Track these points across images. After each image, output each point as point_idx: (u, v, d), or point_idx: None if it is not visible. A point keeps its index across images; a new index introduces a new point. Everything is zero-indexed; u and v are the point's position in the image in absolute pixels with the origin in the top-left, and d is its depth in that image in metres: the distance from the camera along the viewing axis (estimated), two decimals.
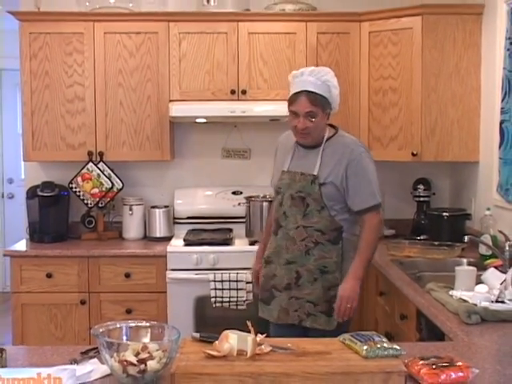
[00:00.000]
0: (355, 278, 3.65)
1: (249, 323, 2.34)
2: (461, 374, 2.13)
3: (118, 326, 2.32)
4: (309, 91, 3.63)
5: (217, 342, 2.25)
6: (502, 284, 3.27)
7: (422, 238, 5.18)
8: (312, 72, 3.68)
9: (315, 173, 3.69)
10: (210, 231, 5.43)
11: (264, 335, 2.39)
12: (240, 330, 2.30)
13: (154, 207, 5.56)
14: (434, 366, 2.15)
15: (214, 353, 2.19)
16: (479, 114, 5.08)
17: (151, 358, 2.12)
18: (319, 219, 3.69)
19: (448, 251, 4.58)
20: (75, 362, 2.33)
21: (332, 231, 3.70)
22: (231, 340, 2.22)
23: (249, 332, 2.28)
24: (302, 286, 3.69)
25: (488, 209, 4.70)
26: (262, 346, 2.26)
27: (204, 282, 4.81)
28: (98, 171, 5.43)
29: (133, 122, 5.34)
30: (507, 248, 4.00)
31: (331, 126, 3.84)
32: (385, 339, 2.27)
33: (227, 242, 5.11)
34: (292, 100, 3.68)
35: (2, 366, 2.18)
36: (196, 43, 5.29)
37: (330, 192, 3.68)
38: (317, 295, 3.66)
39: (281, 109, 4.59)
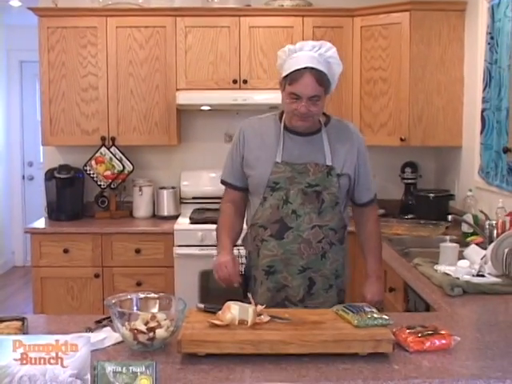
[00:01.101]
0: (380, 278, 3.15)
1: (249, 295, 2.34)
2: (444, 341, 2.14)
3: (129, 297, 2.32)
4: (314, 68, 2.83)
5: (220, 312, 2.25)
6: (482, 259, 3.28)
7: (409, 216, 5.17)
8: (313, 47, 2.91)
9: (329, 163, 2.95)
10: (213, 210, 5.42)
11: (263, 306, 2.39)
12: (241, 302, 2.31)
13: (161, 188, 5.57)
14: (419, 335, 2.16)
15: (218, 322, 2.19)
16: (462, 102, 5.08)
17: (159, 326, 2.12)
18: (332, 216, 2.97)
19: (433, 229, 4.58)
20: (90, 330, 2.33)
21: (341, 229, 3.03)
22: (233, 310, 2.22)
23: (249, 303, 2.28)
24: (315, 294, 2.97)
25: (470, 190, 4.70)
26: (262, 316, 2.26)
27: (208, 258, 4.80)
28: (111, 155, 5.43)
29: (142, 110, 5.34)
30: (487, 226, 4.00)
31: None
32: (374, 310, 2.28)
33: None
34: (293, 79, 2.84)
35: (24, 333, 2.19)
36: (201, 36, 5.27)
37: (345, 184, 3.00)
38: (331, 304, 2.76)
39: (279, 97, 4.56)
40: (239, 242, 3.16)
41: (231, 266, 2.86)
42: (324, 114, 3.07)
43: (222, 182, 3.17)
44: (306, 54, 2.87)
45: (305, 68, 2.82)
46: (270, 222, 2.96)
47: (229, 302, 2.28)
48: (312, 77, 2.81)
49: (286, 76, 2.87)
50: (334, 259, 3.00)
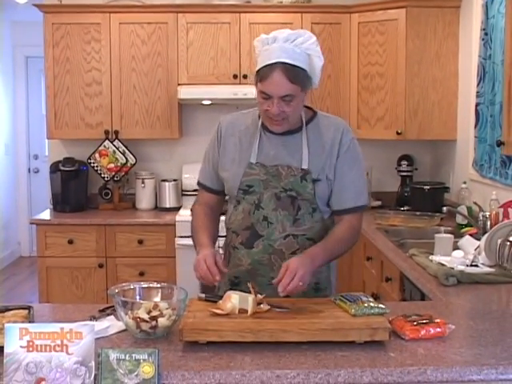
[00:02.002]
0: (311, 258, 2.44)
1: (249, 285, 2.34)
2: (438, 329, 2.14)
3: (132, 286, 2.32)
4: (285, 63, 2.41)
5: (221, 301, 2.25)
6: (476, 250, 3.28)
7: (405, 208, 5.17)
8: (288, 37, 2.46)
9: (305, 166, 2.56)
10: None
11: (263, 295, 2.39)
12: (241, 291, 2.31)
13: (164, 180, 5.57)
14: (415, 323, 2.16)
15: (218, 311, 2.19)
16: (457, 97, 5.08)
17: (162, 315, 2.12)
18: (311, 225, 2.60)
19: (428, 220, 4.58)
20: (94, 318, 2.33)
21: (321, 238, 2.60)
22: (233, 300, 2.23)
23: (249, 293, 2.28)
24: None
25: (464, 182, 4.71)
26: (261, 305, 2.27)
27: None
28: (114, 148, 5.43)
29: (145, 104, 5.34)
30: (481, 218, 4.00)
31: (306, 107, 2.67)
32: (371, 299, 2.28)
33: None
34: (263, 76, 2.44)
35: (30, 322, 2.19)
36: (202, 32, 5.27)
37: (323, 190, 2.60)
38: None
39: None
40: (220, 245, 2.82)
41: (211, 261, 2.41)
42: (311, 109, 2.70)
43: (199, 184, 2.82)
44: (279, 46, 2.45)
45: (275, 63, 2.42)
46: (241, 229, 2.63)
47: (229, 292, 2.29)
48: (282, 74, 2.40)
49: (258, 71, 2.49)
50: (314, 273, 2.50)
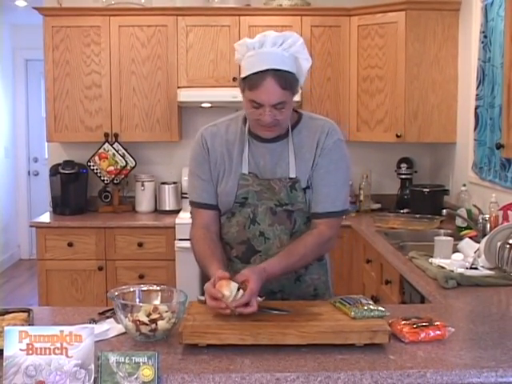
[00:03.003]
0: (265, 273, 2.32)
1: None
2: (438, 332, 2.14)
3: (132, 289, 2.32)
4: (277, 70, 2.31)
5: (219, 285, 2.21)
6: (475, 252, 3.28)
7: (404, 211, 5.18)
8: (275, 41, 2.36)
9: (293, 175, 2.47)
10: None
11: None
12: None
13: (163, 183, 5.57)
14: (414, 326, 2.16)
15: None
16: (457, 99, 5.08)
17: (161, 318, 2.12)
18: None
19: (428, 223, 4.59)
20: (94, 321, 2.33)
21: None
22: (233, 287, 2.19)
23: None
24: None
25: (464, 185, 4.70)
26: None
27: None
28: (114, 151, 5.43)
29: (144, 107, 5.34)
30: (480, 220, 4.00)
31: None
32: (371, 302, 2.28)
33: None
34: (253, 84, 2.34)
35: (30, 324, 2.19)
36: (201, 35, 5.27)
37: None
38: None
39: None
40: None
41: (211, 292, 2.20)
42: (296, 111, 2.59)
43: (193, 204, 2.64)
44: (268, 51, 2.35)
45: (266, 70, 2.31)
46: (236, 242, 2.57)
47: (222, 281, 2.22)
48: (275, 81, 2.31)
49: (245, 78, 2.38)
50: (312, 281, 2.61)
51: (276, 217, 2.50)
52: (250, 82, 2.35)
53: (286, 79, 2.33)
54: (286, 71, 2.34)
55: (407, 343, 2.10)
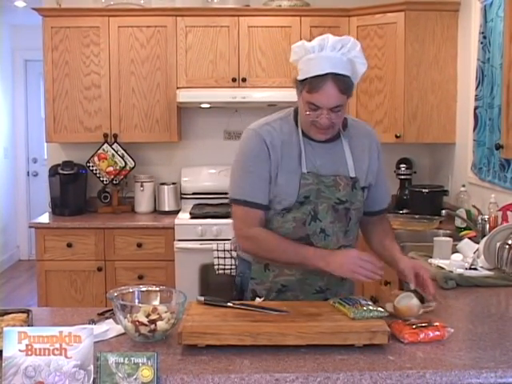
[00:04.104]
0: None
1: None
2: (438, 332, 2.14)
3: (131, 290, 2.32)
4: (337, 74, 2.37)
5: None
6: (475, 253, 3.29)
7: (404, 211, 5.18)
8: (335, 45, 2.40)
9: (353, 174, 2.57)
10: (213, 205, 5.43)
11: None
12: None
13: (162, 184, 5.57)
14: (413, 326, 2.16)
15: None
16: (456, 100, 5.08)
17: (160, 318, 2.12)
18: (355, 234, 2.69)
19: (427, 223, 4.58)
20: (93, 322, 2.33)
21: (354, 246, 2.72)
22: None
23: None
24: None
25: (463, 185, 4.71)
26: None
27: (208, 252, 4.81)
28: (113, 151, 5.43)
29: (144, 107, 5.34)
30: (480, 221, 4.01)
31: None
32: (370, 302, 2.28)
33: (229, 215, 5.09)
34: (313, 87, 2.38)
35: (29, 325, 2.19)
36: (201, 36, 5.27)
37: (367, 196, 2.67)
38: None
39: (277, 95, 4.61)
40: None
41: (370, 258, 2.41)
42: None
43: (247, 204, 2.58)
44: (328, 55, 2.39)
45: (326, 74, 2.36)
46: (293, 238, 2.53)
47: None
48: (335, 85, 2.36)
49: (304, 80, 2.42)
50: (352, 281, 2.68)
51: (337, 214, 2.56)
52: (309, 85, 2.39)
53: (345, 83, 2.39)
54: (344, 75, 2.39)
55: (406, 344, 2.10)
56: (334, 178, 2.54)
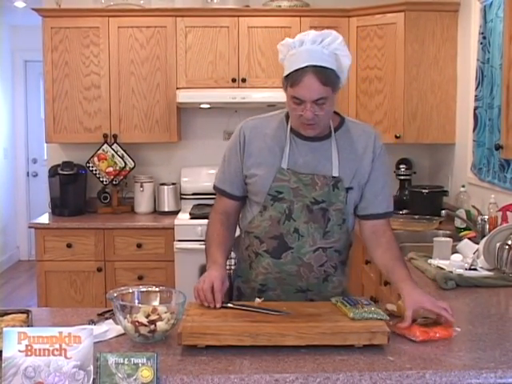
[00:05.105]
0: (416, 284, 2.42)
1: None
2: (445, 332, 2.15)
3: (131, 290, 2.32)
4: (317, 66, 2.35)
5: None
6: (474, 253, 3.29)
7: (403, 212, 5.17)
8: (315, 38, 2.41)
9: (336, 174, 2.51)
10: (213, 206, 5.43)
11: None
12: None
13: (162, 184, 5.57)
14: (424, 323, 2.18)
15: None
16: (455, 100, 5.08)
17: (160, 319, 2.12)
18: (339, 237, 2.59)
19: (427, 224, 4.58)
20: (93, 322, 2.33)
21: (345, 250, 2.68)
22: None
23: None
24: None
25: (463, 186, 4.70)
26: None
27: None
28: (113, 152, 5.43)
29: (143, 108, 5.34)
30: (479, 221, 4.01)
31: (334, 113, 2.60)
32: (372, 303, 2.27)
33: None
34: (294, 80, 2.38)
35: (29, 326, 2.19)
36: (200, 36, 5.27)
37: (354, 199, 2.58)
38: None
39: (277, 95, 4.59)
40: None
41: (218, 284, 2.37)
42: (338, 114, 2.63)
43: (216, 189, 2.75)
44: (307, 48, 2.39)
45: (306, 67, 2.36)
46: (268, 237, 2.57)
47: None
48: (315, 77, 2.34)
49: (287, 76, 2.43)
50: (339, 282, 2.65)
51: (312, 215, 2.52)
52: (291, 80, 2.39)
53: (326, 75, 2.37)
54: (325, 67, 2.37)
55: (419, 342, 2.11)
56: (312, 176, 2.51)
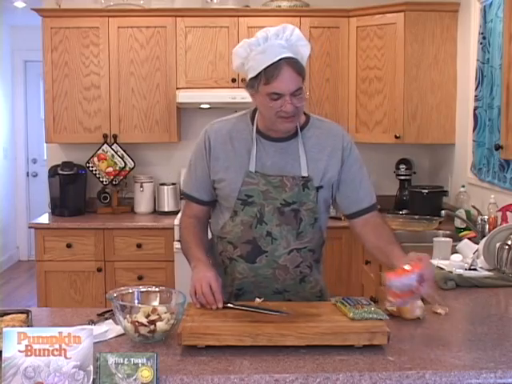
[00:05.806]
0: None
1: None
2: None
3: (131, 290, 2.32)
4: (288, 58, 2.36)
5: None
6: (474, 254, 3.29)
7: (403, 212, 5.18)
8: (277, 33, 2.42)
9: (305, 173, 2.49)
10: None
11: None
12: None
13: (162, 184, 5.57)
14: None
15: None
16: (455, 100, 5.08)
17: (160, 319, 2.12)
18: (312, 236, 2.57)
19: (427, 224, 4.58)
20: (92, 322, 2.33)
21: (319, 248, 2.65)
22: None
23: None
24: None
25: (463, 186, 4.71)
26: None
27: None
28: (112, 152, 5.43)
29: (143, 108, 5.34)
30: (479, 221, 4.01)
31: None
32: (372, 304, 2.27)
33: None
34: (270, 76, 2.34)
35: (28, 326, 2.18)
36: (200, 36, 5.27)
37: (325, 197, 2.56)
38: None
39: None
40: None
41: (216, 285, 2.36)
42: (304, 112, 2.57)
43: (184, 195, 2.74)
44: (273, 43, 2.39)
45: (279, 60, 2.34)
46: (241, 242, 2.54)
47: None
48: (290, 68, 2.34)
49: (258, 75, 2.39)
50: (316, 282, 2.65)
51: (283, 217, 2.50)
52: (265, 76, 2.36)
53: (298, 65, 2.38)
54: (295, 59, 2.38)
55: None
56: (281, 178, 2.49)
